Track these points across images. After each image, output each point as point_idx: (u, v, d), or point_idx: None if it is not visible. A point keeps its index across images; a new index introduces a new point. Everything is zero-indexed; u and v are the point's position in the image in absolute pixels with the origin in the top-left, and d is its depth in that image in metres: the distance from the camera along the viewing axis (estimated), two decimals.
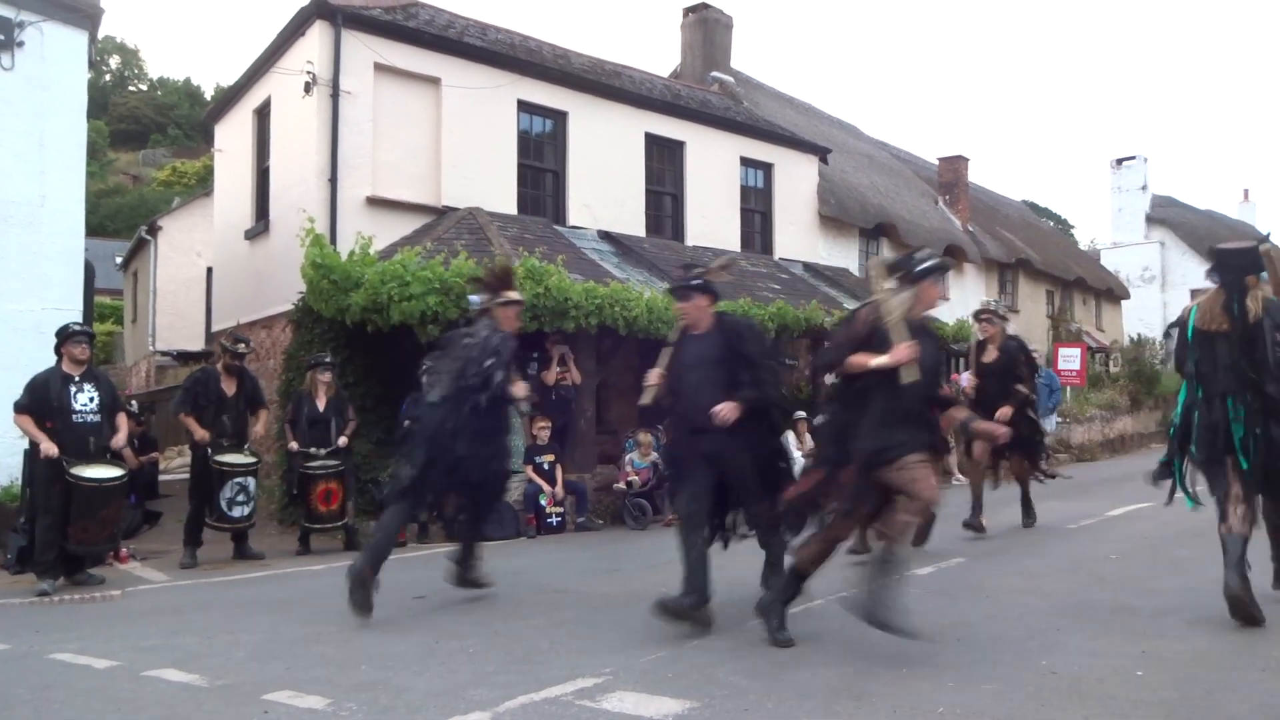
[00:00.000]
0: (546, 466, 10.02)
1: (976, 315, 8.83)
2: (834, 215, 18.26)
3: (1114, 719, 3.31)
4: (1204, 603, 5.13)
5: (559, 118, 13.82)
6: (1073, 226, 57.72)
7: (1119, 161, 38.61)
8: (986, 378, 8.20)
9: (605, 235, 13.92)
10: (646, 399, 5.12)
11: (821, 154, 18.25)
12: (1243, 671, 3.83)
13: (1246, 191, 49.97)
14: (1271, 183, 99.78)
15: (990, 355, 8.29)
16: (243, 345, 8.78)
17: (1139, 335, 27.74)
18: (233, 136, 14.76)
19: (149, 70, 70.32)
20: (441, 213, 12.30)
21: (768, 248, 16.84)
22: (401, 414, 9.54)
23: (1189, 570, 6.15)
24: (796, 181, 17.48)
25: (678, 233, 15.30)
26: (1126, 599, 5.30)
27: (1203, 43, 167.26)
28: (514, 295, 6.07)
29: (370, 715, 3.64)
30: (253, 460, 8.53)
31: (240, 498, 8.30)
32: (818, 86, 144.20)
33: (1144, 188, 38.09)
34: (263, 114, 13.48)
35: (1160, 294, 36.64)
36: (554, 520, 9.90)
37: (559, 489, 10.01)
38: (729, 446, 4.79)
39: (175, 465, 16.40)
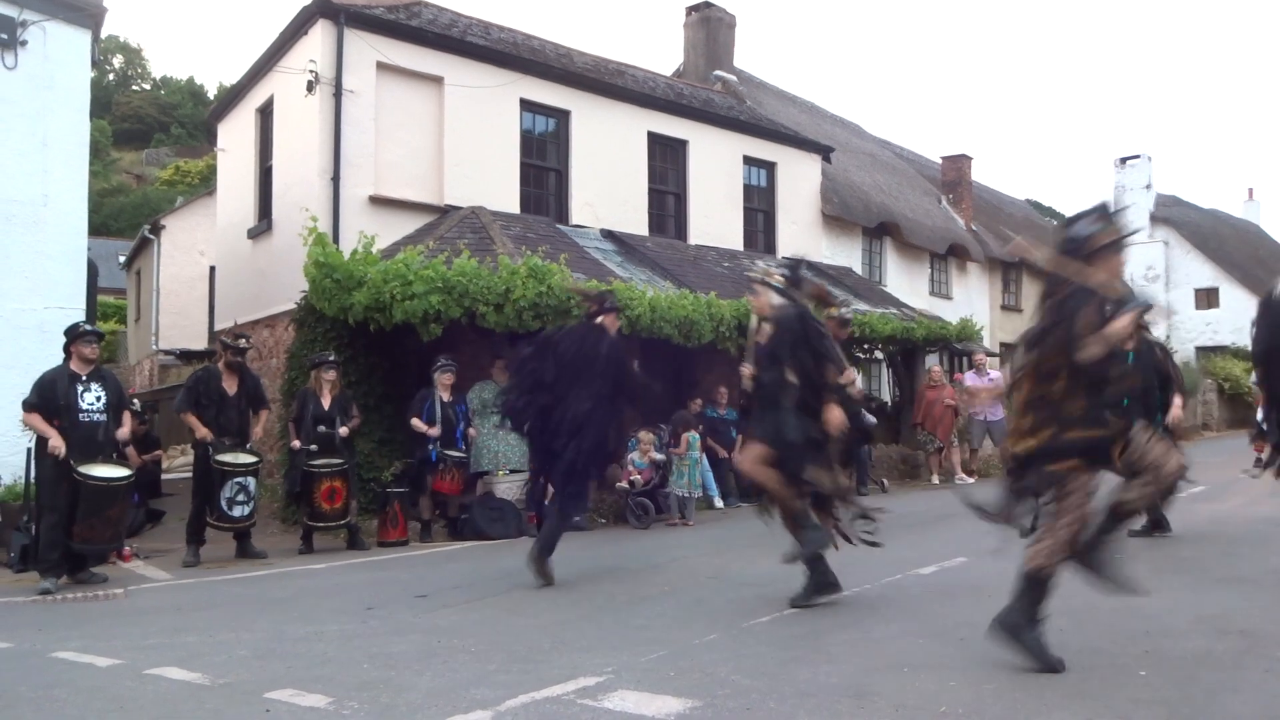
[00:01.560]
0: None
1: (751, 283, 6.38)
2: (837, 214, 18.24)
3: (1116, 719, 3.30)
4: (1209, 602, 5.12)
5: (562, 117, 13.82)
6: None
7: (1123, 160, 38.49)
8: (760, 367, 5.80)
9: (608, 234, 13.92)
10: None
11: (824, 153, 18.24)
12: (1246, 671, 3.82)
13: (1251, 190, 49.91)
14: (1276, 182, 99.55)
15: (764, 335, 5.85)
16: (244, 341, 8.78)
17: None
18: (235, 135, 14.78)
19: (152, 69, 70.54)
20: (444, 212, 12.30)
21: (770, 247, 16.82)
22: (463, 407, 9.75)
23: (1193, 569, 6.14)
24: (799, 180, 17.46)
25: (680, 232, 15.29)
26: (1130, 598, 5.27)
27: (1207, 42, 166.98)
28: (833, 313, 7.80)
29: (372, 714, 3.64)
30: (254, 460, 8.52)
31: (240, 497, 8.29)
32: (820, 85, 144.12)
33: (1148, 186, 37.97)
34: (265, 113, 13.50)
35: (1164, 293, 36.51)
36: None
37: None
38: None
39: (178, 464, 16.42)
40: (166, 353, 21.48)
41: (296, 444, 8.86)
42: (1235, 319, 35.06)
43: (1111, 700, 3.49)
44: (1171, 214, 38.10)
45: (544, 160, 13.77)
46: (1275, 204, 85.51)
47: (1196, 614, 4.85)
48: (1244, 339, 33.65)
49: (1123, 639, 4.38)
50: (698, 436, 10.98)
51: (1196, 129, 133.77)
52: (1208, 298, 35.96)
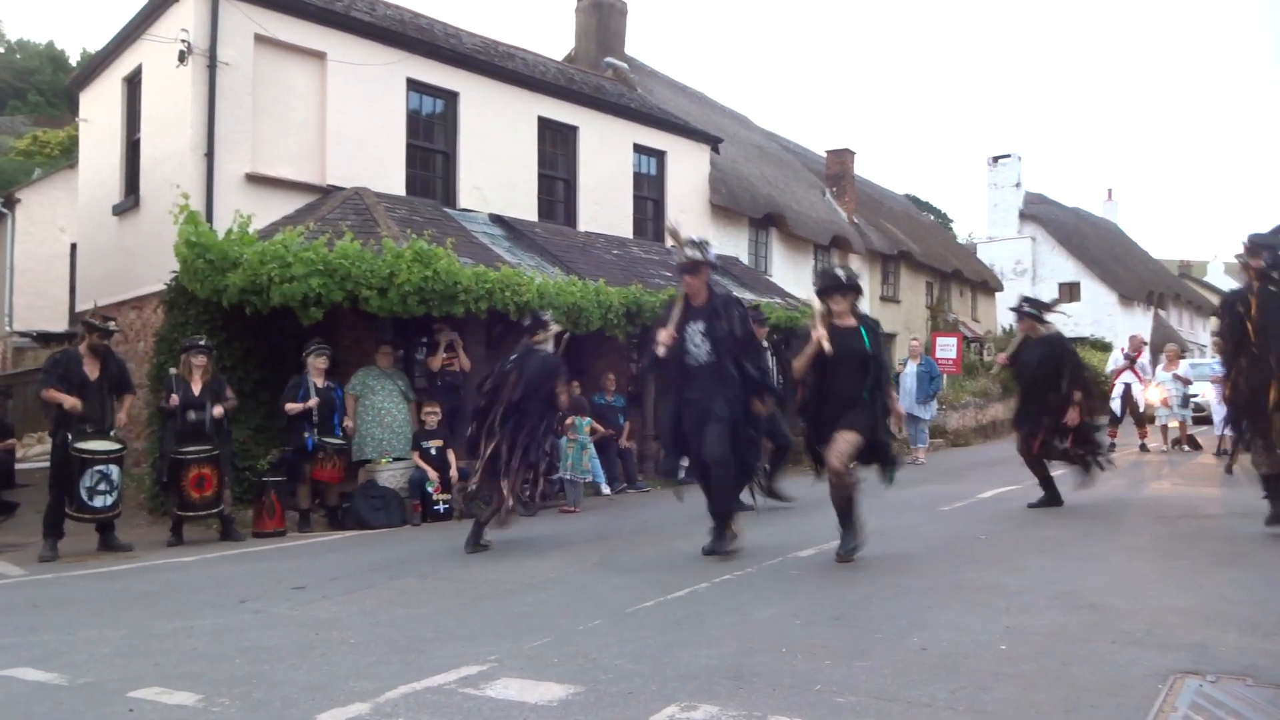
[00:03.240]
0: (434, 452, 9.86)
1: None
2: (725, 204, 18.50)
3: (978, 691, 3.47)
4: (1066, 579, 5.43)
5: (449, 98, 13.57)
6: (952, 221, 59.82)
7: (995, 159, 40.31)
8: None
9: (496, 219, 13.76)
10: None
11: (713, 143, 18.46)
12: (1095, 644, 4.07)
13: (1110, 191, 52.83)
14: (1133, 183, 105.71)
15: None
16: (112, 324, 8.34)
17: (1012, 326, 29.07)
18: (100, 106, 13.96)
19: (6, 31, 65.90)
20: (326, 192, 11.93)
21: (659, 235, 16.94)
22: (339, 392, 9.62)
23: (1052, 549, 6.50)
24: (689, 169, 17.64)
25: (570, 218, 15.25)
26: (994, 577, 5.56)
27: (1077, 50, 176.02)
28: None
29: (244, 710, 3.52)
30: (116, 447, 8.11)
31: (102, 486, 7.89)
32: (709, 75, 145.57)
33: (1018, 185, 39.89)
34: (133, 83, 12.80)
35: (1031, 286, 38.47)
36: (440, 508, 9.76)
37: (453, 474, 9.88)
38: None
39: (34, 453, 15.49)
40: (22, 335, 20.23)
41: (174, 399, 8.41)
42: (1094, 312, 37.23)
43: (974, 674, 3.67)
44: (1039, 211, 40.13)
45: (431, 142, 13.50)
46: (1131, 204, 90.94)
47: (1053, 590, 5.13)
48: (1102, 330, 35.78)
49: (986, 615, 4.61)
50: (585, 422, 10.99)
51: (1063, 131, 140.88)
52: (1070, 291, 38.04)
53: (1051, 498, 8.59)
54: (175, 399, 8.43)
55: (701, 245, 6.46)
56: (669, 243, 7.05)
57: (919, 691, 3.48)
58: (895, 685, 3.56)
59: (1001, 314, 33.97)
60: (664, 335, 6.35)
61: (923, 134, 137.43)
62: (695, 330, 6.38)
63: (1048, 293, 38.26)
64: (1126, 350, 15.23)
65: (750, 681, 3.65)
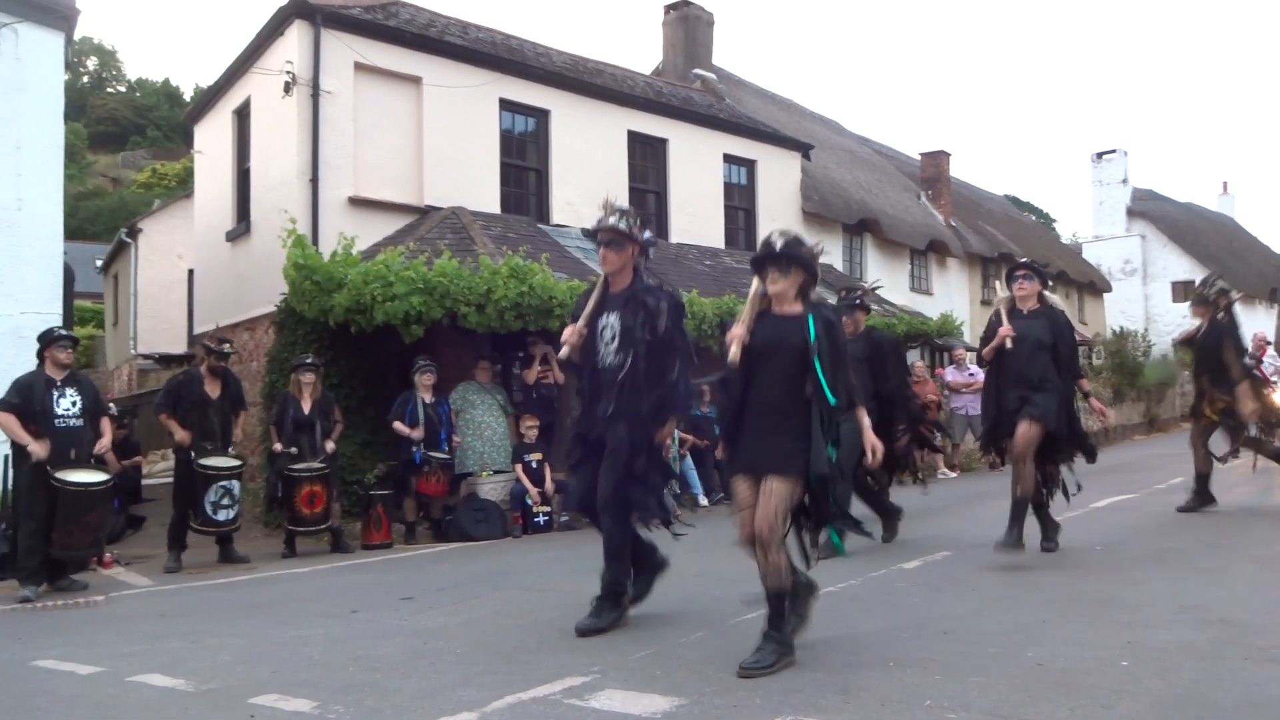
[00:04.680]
0: (534, 465, 9.99)
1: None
2: (817, 211, 18.30)
3: (1100, 710, 3.32)
4: (1191, 592, 5.17)
5: (541, 116, 13.80)
6: (1054, 220, 58.07)
7: (1099, 155, 38.81)
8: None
9: (589, 234, 13.88)
10: None
11: (804, 150, 18.30)
12: (1228, 660, 3.85)
13: (1225, 184, 50.44)
14: (1250, 175, 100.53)
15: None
16: (227, 345, 8.75)
17: (1121, 328, 27.93)
18: (212, 137, 14.67)
19: (127, 71, 69.86)
20: (424, 212, 12.26)
21: (751, 245, 16.83)
22: (445, 408, 9.71)
23: (1173, 560, 6.19)
24: (779, 178, 17.51)
25: (662, 230, 15.30)
26: (1112, 590, 5.33)
27: (1183, 37, 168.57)
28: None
29: (357, 717, 3.61)
30: (237, 463, 8.48)
31: (225, 501, 8.24)
32: (799, 82, 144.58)
33: (1124, 181, 38.30)
34: (243, 115, 13.40)
35: (1142, 286, 36.90)
36: (540, 519, 9.88)
37: (549, 487, 10.00)
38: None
39: (159, 469, 16.29)
40: (145, 357, 21.32)
41: (278, 447, 8.83)
42: None
43: (1095, 691, 3.52)
44: (1148, 208, 38.45)
45: (524, 160, 13.74)
46: (1249, 197, 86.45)
47: (1178, 604, 4.89)
48: None
49: (1106, 630, 4.41)
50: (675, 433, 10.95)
51: (1172, 123, 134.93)
52: (1184, 290, 36.28)
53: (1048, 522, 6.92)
54: (279, 446, 8.83)
55: (628, 215, 5.19)
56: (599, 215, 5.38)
57: (1036, 709, 3.35)
58: (1011, 702, 3.44)
59: (1111, 315, 32.71)
60: (568, 332, 4.95)
61: (1020, 132, 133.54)
62: (608, 324, 4.96)
63: (1161, 293, 36.64)
64: (1250, 351, 14.44)
65: (858, 696, 3.57)
